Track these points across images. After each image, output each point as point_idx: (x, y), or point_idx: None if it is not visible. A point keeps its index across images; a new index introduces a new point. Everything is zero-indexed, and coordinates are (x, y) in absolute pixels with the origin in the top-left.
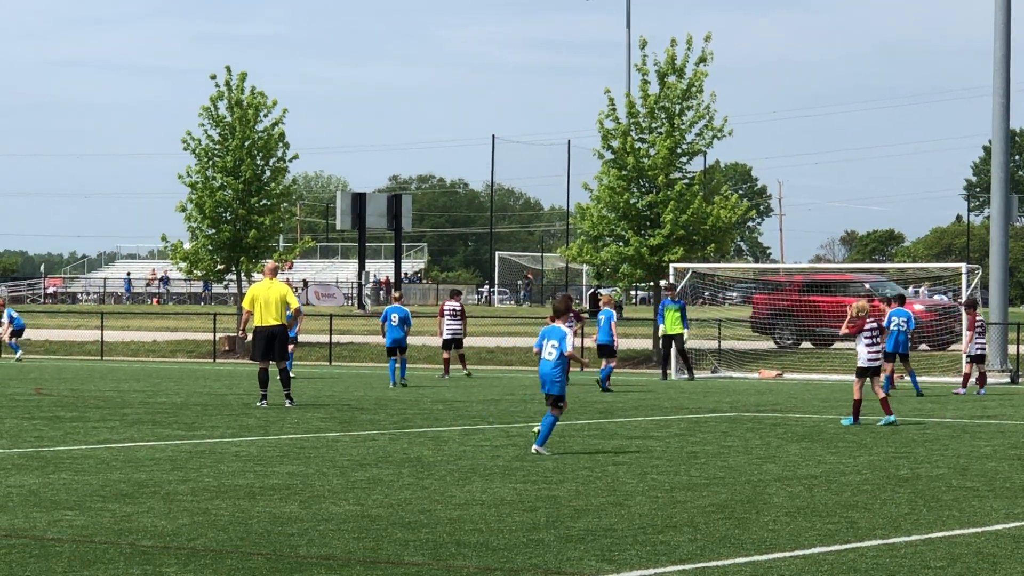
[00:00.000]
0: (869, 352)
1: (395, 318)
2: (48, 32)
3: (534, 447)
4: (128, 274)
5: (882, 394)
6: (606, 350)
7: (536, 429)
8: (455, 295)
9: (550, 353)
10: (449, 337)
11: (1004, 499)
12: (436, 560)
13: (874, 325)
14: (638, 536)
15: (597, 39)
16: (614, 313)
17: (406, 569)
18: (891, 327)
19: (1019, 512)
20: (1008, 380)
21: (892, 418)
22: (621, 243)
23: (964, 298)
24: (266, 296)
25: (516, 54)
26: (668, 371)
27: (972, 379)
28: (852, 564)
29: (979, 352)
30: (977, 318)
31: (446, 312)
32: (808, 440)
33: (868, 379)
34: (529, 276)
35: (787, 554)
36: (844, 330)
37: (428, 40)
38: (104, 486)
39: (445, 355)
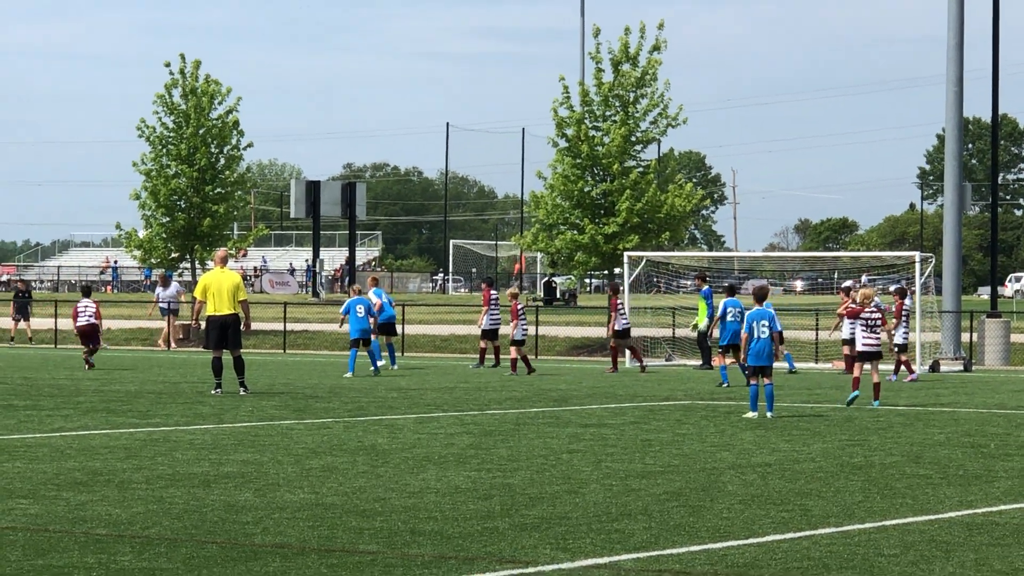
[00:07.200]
0: (865, 337)
1: (361, 309)
2: None
3: (768, 414)
4: (115, 261)
5: (876, 379)
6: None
7: (749, 414)
8: (490, 284)
9: (763, 332)
10: (489, 327)
11: (957, 486)
12: (391, 548)
13: (876, 315)
14: (593, 524)
15: (551, 27)
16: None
17: (361, 557)
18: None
19: (972, 499)
20: (961, 368)
21: (875, 403)
22: (576, 231)
23: (896, 287)
24: (219, 285)
25: (471, 42)
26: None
27: (914, 367)
28: (806, 552)
29: (903, 342)
30: (904, 305)
31: (490, 301)
32: (762, 428)
33: (868, 362)
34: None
35: (741, 542)
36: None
37: (383, 28)
38: (58, 474)
39: (482, 344)
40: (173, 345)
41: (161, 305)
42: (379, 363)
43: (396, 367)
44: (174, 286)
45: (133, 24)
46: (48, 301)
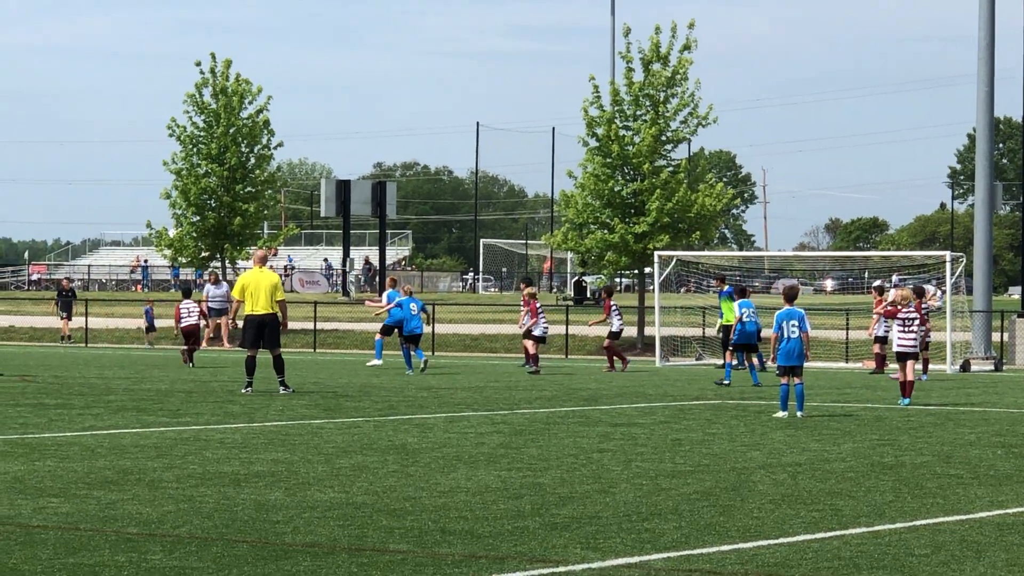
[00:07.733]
0: (901, 337)
1: (414, 308)
2: (29, 18)
3: (799, 414)
4: (145, 260)
5: (911, 378)
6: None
7: (779, 414)
8: (529, 283)
9: (792, 332)
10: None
11: (988, 486)
12: (421, 548)
13: (912, 316)
14: (623, 524)
15: (581, 26)
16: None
17: (391, 556)
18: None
19: (1003, 500)
20: (992, 367)
21: (906, 401)
22: (606, 230)
23: (928, 286)
24: (256, 284)
25: (501, 41)
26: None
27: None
28: (836, 551)
29: (925, 339)
30: (923, 304)
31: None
32: (792, 428)
33: (906, 362)
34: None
35: (772, 541)
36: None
37: (411, 26)
38: (89, 473)
39: (526, 343)
40: (204, 344)
41: (211, 304)
42: (378, 361)
43: (380, 362)
44: (225, 285)
45: (162, 22)
46: (79, 299)
